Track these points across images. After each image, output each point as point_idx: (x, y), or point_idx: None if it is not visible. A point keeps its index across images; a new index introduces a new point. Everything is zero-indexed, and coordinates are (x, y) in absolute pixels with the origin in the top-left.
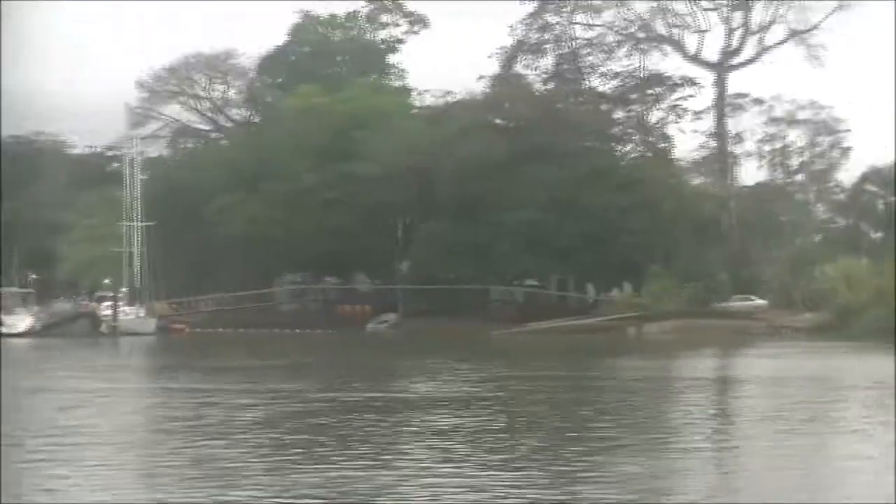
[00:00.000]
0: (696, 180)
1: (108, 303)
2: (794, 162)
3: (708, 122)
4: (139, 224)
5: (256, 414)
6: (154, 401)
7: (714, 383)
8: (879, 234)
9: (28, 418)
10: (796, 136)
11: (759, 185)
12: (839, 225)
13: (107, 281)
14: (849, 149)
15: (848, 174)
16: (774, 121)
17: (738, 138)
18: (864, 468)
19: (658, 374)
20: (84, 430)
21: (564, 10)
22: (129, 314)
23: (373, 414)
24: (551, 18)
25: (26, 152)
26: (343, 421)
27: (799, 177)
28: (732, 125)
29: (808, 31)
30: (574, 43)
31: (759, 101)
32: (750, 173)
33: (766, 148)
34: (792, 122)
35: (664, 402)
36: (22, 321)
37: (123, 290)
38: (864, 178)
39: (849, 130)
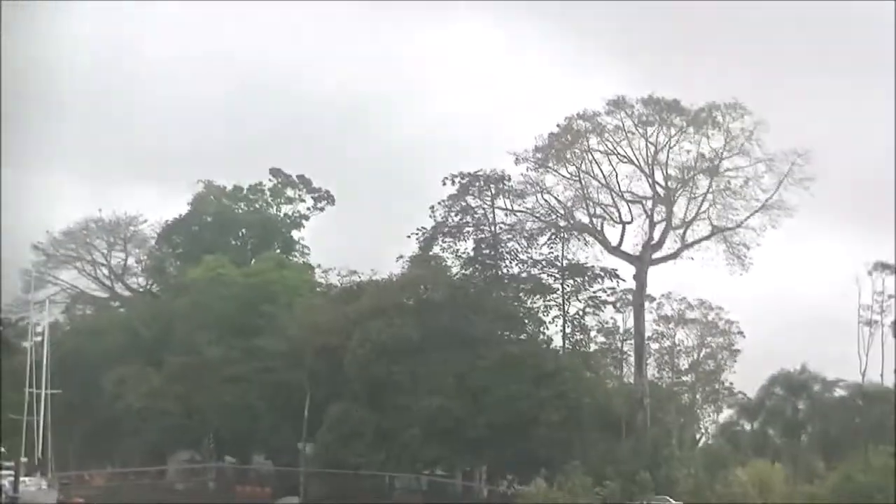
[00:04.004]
0: (608, 375)
1: (5, 472)
2: (683, 362)
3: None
4: (45, 391)
5: None
6: None
7: None
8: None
9: None
10: (685, 336)
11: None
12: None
13: (2, 450)
14: (738, 351)
15: (738, 377)
16: (664, 319)
17: (627, 334)
18: None
19: None
20: None
21: (487, 193)
22: (30, 485)
23: None
24: (472, 201)
25: None
26: None
27: (687, 377)
28: (621, 321)
29: (731, 228)
30: (495, 227)
31: (650, 298)
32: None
33: (654, 346)
34: (681, 321)
35: None
36: None
37: (24, 459)
38: (773, 381)
39: (741, 333)
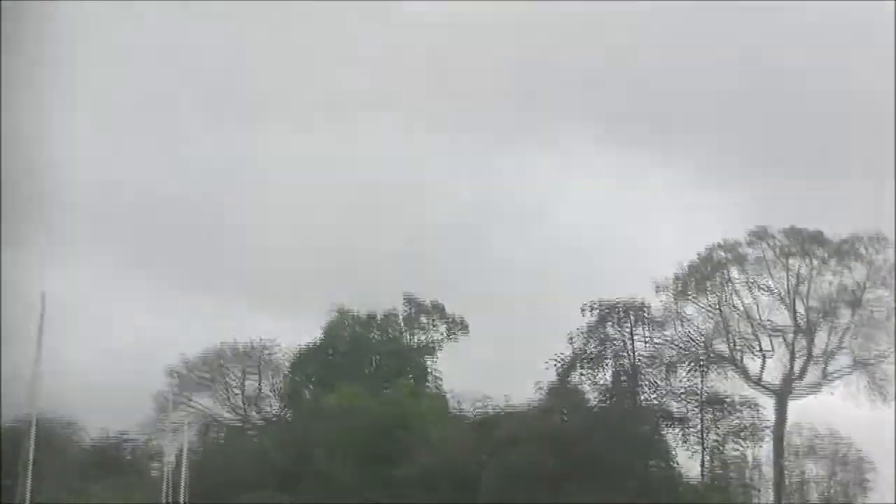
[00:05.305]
0: None
1: None
2: (814, 494)
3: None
4: None
5: None
6: None
7: None
8: None
9: None
10: (815, 467)
11: None
12: None
13: None
14: (870, 485)
15: None
16: (793, 449)
17: (756, 464)
18: None
19: None
20: None
21: (626, 322)
22: None
23: None
24: (611, 330)
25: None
26: None
27: None
28: (759, 453)
29: (874, 363)
30: (633, 357)
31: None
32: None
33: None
34: (811, 452)
35: None
36: None
37: None
38: None
39: (874, 467)
